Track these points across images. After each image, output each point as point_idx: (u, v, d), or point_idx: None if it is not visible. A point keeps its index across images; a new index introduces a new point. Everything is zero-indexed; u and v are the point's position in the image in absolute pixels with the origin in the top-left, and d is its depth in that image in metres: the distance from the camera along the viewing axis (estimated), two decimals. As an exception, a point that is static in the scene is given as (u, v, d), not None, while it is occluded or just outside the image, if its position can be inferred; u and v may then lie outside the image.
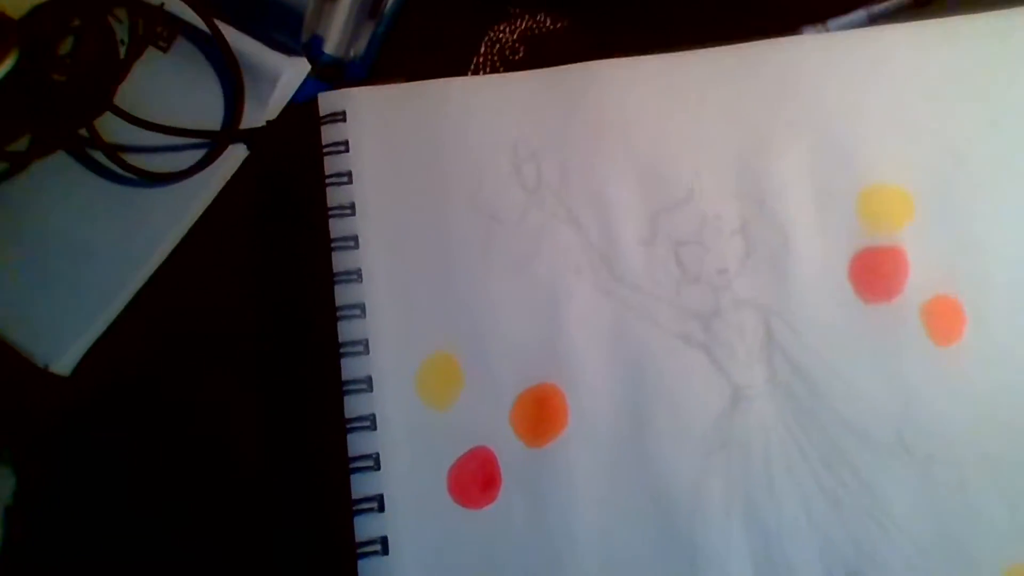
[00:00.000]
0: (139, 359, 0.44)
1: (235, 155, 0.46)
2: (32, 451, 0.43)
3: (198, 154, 0.46)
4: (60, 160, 0.46)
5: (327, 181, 0.43)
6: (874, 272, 0.40)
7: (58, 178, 0.46)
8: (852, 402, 0.39)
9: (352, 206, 0.42)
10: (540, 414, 0.39)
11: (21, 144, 0.46)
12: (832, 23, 0.48)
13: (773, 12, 0.47)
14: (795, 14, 0.47)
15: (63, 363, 0.43)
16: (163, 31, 0.48)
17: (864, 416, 0.38)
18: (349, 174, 0.43)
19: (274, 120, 0.47)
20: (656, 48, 0.45)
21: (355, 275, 0.41)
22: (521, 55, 0.49)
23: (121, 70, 0.47)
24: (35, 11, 0.48)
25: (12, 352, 0.43)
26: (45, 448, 0.43)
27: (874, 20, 0.48)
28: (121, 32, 0.48)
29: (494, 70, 0.48)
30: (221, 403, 0.43)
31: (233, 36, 0.47)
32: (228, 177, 0.46)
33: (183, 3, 0.47)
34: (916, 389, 0.39)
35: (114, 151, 0.45)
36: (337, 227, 0.42)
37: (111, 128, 0.46)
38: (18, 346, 0.43)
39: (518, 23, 0.50)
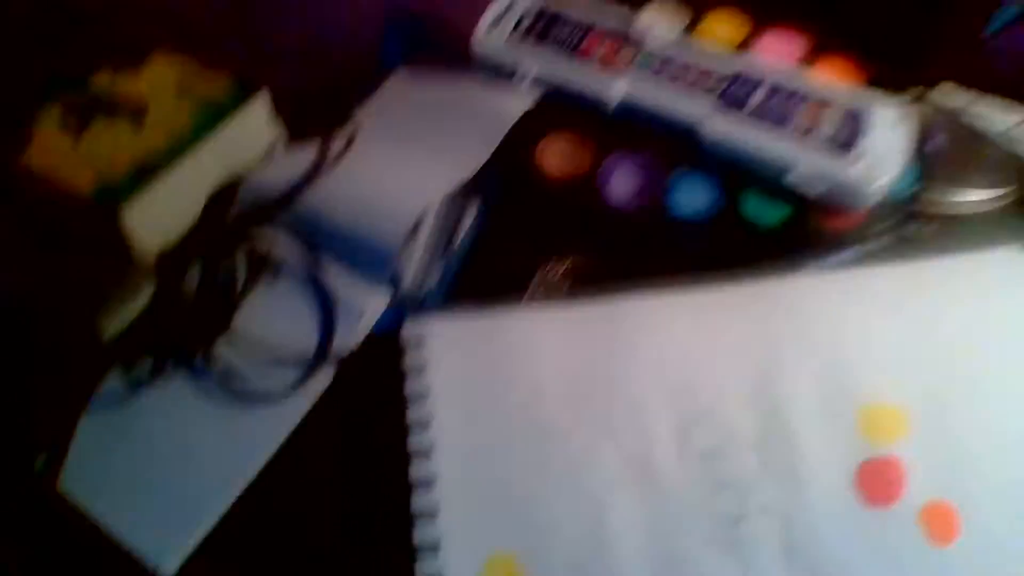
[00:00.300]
0: (234, 564, 0.50)
1: (322, 378, 0.55)
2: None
3: (291, 376, 0.54)
4: (179, 380, 0.55)
5: (408, 398, 0.51)
6: (876, 480, 0.46)
7: (175, 396, 0.54)
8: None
9: (427, 422, 0.50)
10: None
11: (144, 368, 0.55)
12: (828, 261, 0.56)
13: (775, 252, 0.55)
14: (798, 252, 0.56)
15: (169, 566, 0.49)
16: (271, 269, 0.58)
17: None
18: (427, 392, 0.51)
19: (357, 348, 0.56)
20: (676, 281, 0.54)
21: (430, 483, 0.48)
22: (567, 288, 0.58)
23: (236, 305, 0.56)
24: (164, 253, 0.59)
25: (121, 553, 0.49)
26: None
27: (865, 257, 0.56)
28: (238, 270, 0.58)
29: (543, 299, 0.57)
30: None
31: (325, 272, 0.57)
32: (316, 396, 0.54)
33: (287, 242, 0.57)
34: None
35: (223, 377, 0.54)
36: (415, 438, 0.49)
37: (222, 350, 0.55)
38: (130, 547, 0.49)
39: (562, 262, 0.59)
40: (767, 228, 0.56)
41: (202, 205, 0.61)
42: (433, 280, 0.58)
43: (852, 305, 0.52)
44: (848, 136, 0.55)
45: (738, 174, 0.58)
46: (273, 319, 0.57)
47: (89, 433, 0.53)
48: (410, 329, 0.53)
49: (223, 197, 0.61)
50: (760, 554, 0.45)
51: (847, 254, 0.57)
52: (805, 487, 0.46)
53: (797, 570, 0.45)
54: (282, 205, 0.59)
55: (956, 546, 0.44)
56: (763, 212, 0.56)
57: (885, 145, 0.55)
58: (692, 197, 0.58)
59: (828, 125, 0.55)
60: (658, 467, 0.48)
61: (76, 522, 0.50)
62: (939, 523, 0.45)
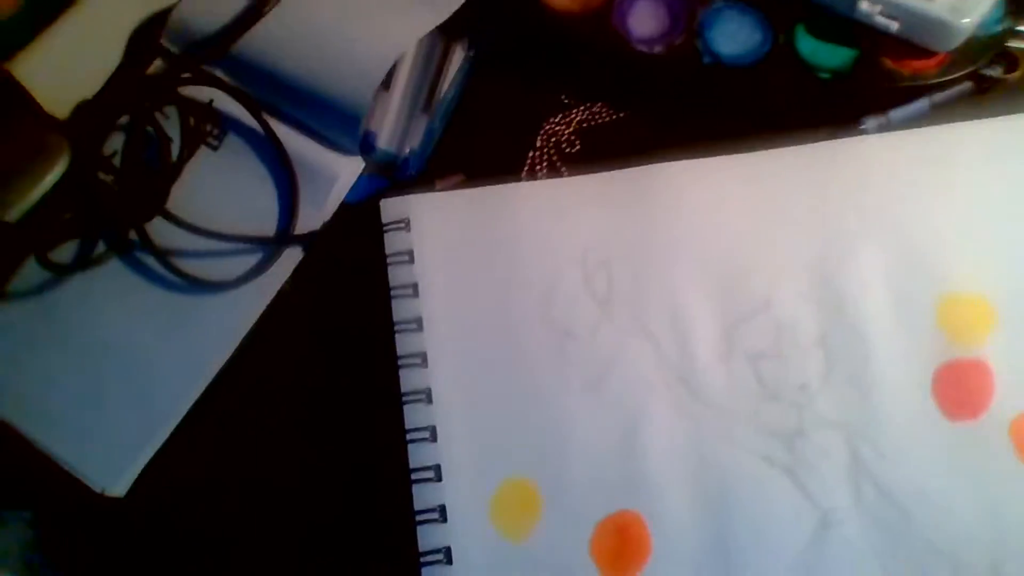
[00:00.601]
0: (192, 479, 0.42)
1: (290, 259, 0.45)
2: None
3: (252, 259, 0.45)
4: (111, 268, 0.45)
5: (392, 293, 0.42)
6: (958, 388, 0.39)
7: (108, 287, 0.44)
8: (943, 528, 0.37)
9: (419, 321, 0.41)
10: (622, 544, 0.38)
11: (69, 251, 0.45)
12: (893, 114, 0.47)
13: (833, 102, 0.46)
14: (856, 104, 0.46)
15: (119, 486, 0.41)
16: (213, 129, 0.47)
17: (956, 543, 0.37)
18: (415, 286, 0.41)
19: (329, 222, 0.46)
20: (714, 141, 0.44)
21: (424, 395, 0.40)
22: (578, 148, 0.48)
23: (174, 171, 0.46)
24: (79, 109, 0.47)
25: (62, 474, 0.41)
26: (100, 572, 0.41)
27: (936, 108, 0.47)
28: (170, 130, 0.47)
29: (551, 164, 0.47)
30: (273, 528, 0.41)
31: (284, 134, 0.46)
32: (283, 280, 0.45)
33: (233, 101, 0.46)
34: (1009, 514, 0.37)
35: (166, 257, 0.44)
36: (404, 343, 0.41)
37: (161, 232, 0.45)
38: (73, 469, 0.41)
39: (573, 115, 0.48)
40: (828, 73, 0.45)
41: (119, 50, 0.48)
42: (415, 140, 0.47)
43: (926, 173, 0.43)
44: (934, -43, 0.43)
45: (791, 6, 0.46)
46: (221, 189, 0.46)
47: (7, 335, 0.44)
48: (391, 207, 0.43)
49: (145, 39, 0.49)
50: (820, 473, 0.38)
51: (917, 105, 0.47)
52: (875, 396, 0.39)
53: (865, 493, 0.38)
54: (220, 49, 0.46)
55: (1054, 465, 0.38)
56: (823, 53, 0.46)
57: (976, -31, 0.44)
58: (733, 35, 0.46)
59: (912, -59, 0.44)
60: (700, 371, 0.40)
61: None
62: (1034, 438, 0.38)
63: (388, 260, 0.42)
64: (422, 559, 0.37)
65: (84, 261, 0.44)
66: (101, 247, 0.45)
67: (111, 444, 0.41)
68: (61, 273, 0.44)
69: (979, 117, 0.45)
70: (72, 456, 0.41)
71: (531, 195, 0.43)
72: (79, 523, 0.41)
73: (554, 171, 0.47)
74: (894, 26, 0.44)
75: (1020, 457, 0.38)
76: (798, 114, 0.45)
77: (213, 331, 0.44)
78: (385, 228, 0.43)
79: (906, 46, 0.45)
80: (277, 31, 0.46)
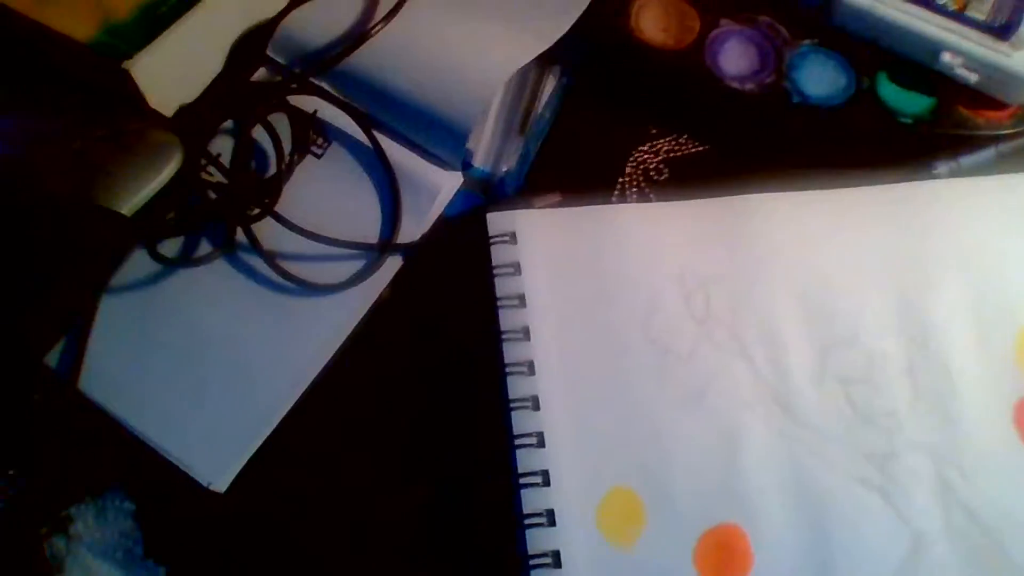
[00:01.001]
0: (290, 478, 0.43)
1: (391, 266, 0.46)
2: (186, 569, 0.41)
3: (355, 265, 0.46)
4: (217, 265, 0.45)
5: (499, 303, 0.43)
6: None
7: (215, 284, 0.45)
8: (1030, 554, 0.39)
9: (526, 330, 0.42)
10: (725, 557, 0.39)
11: (177, 246, 0.46)
12: (964, 159, 0.49)
13: (908, 146, 0.49)
14: (929, 149, 0.49)
15: (222, 481, 0.41)
16: (317, 137, 0.48)
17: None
18: (522, 297, 0.43)
19: (427, 233, 0.47)
20: (796, 178, 0.47)
21: (531, 402, 0.41)
22: (666, 176, 0.50)
23: (285, 173, 0.47)
24: (184, 111, 0.49)
25: (164, 466, 0.41)
26: (199, 566, 0.41)
27: (1001, 158, 0.50)
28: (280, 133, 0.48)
29: (640, 190, 0.49)
30: (369, 532, 0.42)
31: (387, 146, 0.48)
32: (383, 288, 0.46)
33: (337, 111, 0.48)
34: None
35: (272, 258, 0.45)
36: (512, 351, 0.42)
37: (267, 234, 0.46)
38: (179, 463, 0.41)
39: (660, 144, 0.51)
40: (910, 119, 0.48)
41: (223, 57, 0.50)
42: (511, 160, 0.49)
43: (1007, 214, 0.45)
44: (1013, 15, 0.46)
45: (872, 53, 0.49)
46: (325, 196, 0.47)
47: (113, 326, 0.44)
48: (498, 221, 0.45)
49: (250, 49, 0.50)
50: (912, 495, 0.40)
51: (985, 153, 0.50)
52: (960, 423, 0.41)
53: (954, 514, 0.39)
54: (328, 63, 0.48)
55: None
56: (904, 100, 0.48)
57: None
58: (819, 77, 0.49)
59: (991, 0, 0.47)
60: (795, 392, 0.42)
61: (102, 431, 0.42)
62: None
63: (495, 271, 0.43)
64: (531, 562, 0.38)
65: (192, 257, 0.45)
66: (209, 245, 0.46)
67: (215, 439, 0.42)
68: (170, 265, 0.45)
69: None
70: (178, 449, 0.41)
71: (632, 216, 0.45)
72: (179, 516, 0.42)
73: (643, 197, 0.49)
74: (973, 78, 0.47)
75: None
76: (872, 156, 0.48)
77: (314, 333, 0.44)
78: (492, 240, 0.44)
79: (982, 96, 0.48)
80: (385, 49, 0.48)
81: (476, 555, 0.41)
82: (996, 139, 0.49)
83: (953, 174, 0.49)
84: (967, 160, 0.50)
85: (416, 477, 0.42)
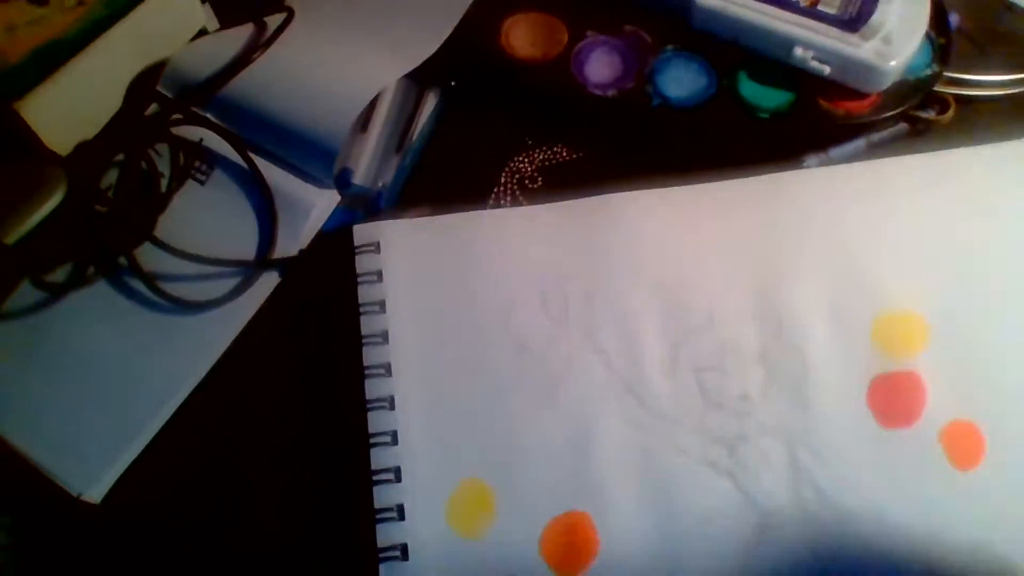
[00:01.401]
0: (169, 486, 0.44)
1: (267, 282, 0.48)
2: (60, 581, 0.43)
3: (232, 282, 0.48)
4: (100, 289, 0.48)
5: (361, 310, 0.44)
6: (892, 398, 0.41)
7: (97, 306, 0.47)
8: (880, 531, 0.39)
9: (385, 334, 0.44)
10: (570, 543, 0.39)
11: (61, 273, 0.48)
12: (833, 152, 0.50)
13: (775, 141, 0.50)
14: (798, 143, 0.50)
15: (95, 492, 0.43)
16: (201, 164, 0.51)
17: (893, 545, 0.39)
18: (382, 303, 0.44)
19: (305, 249, 0.49)
20: (668, 178, 0.48)
21: (387, 402, 0.42)
22: (539, 184, 0.51)
23: (162, 202, 0.49)
24: (80, 147, 0.51)
25: (43, 479, 0.43)
26: (73, 577, 0.43)
27: (872, 148, 0.51)
28: (162, 165, 0.50)
29: (514, 199, 0.50)
30: (249, 525, 0.43)
31: (267, 168, 0.50)
32: (260, 304, 0.48)
33: (221, 139, 0.50)
34: (940, 515, 0.39)
35: (152, 280, 0.47)
36: (370, 355, 0.43)
37: (149, 257, 0.48)
38: (51, 474, 0.43)
39: (535, 154, 0.52)
40: (767, 114, 0.49)
41: (119, 95, 0.53)
42: (387, 176, 0.51)
43: (863, 201, 0.46)
44: (861, 8, 0.48)
45: (733, 53, 0.51)
46: (207, 219, 0.49)
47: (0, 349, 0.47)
48: (362, 232, 0.46)
49: (144, 86, 0.53)
50: (762, 478, 0.40)
51: (854, 144, 0.51)
52: (813, 405, 0.42)
53: (804, 496, 0.40)
54: (210, 93, 0.51)
55: (981, 470, 0.40)
56: (763, 95, 0.50)
57: (901, 20, 0.48)
58: (681, 79, 0.51)
59: (839, -5, 0.48)
60: (648, 383, 0.42)
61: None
62: (962, 445, 0.41)
63: (358, 279, 0.45)
64: (380, 555, 0.39)
65: (76, 282, 0.47)
66: (92, 270, 0.48)
67: (89, 451, 0.43)
68: (54, 293, 0.47)
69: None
70: (49, 460, 0.43)
71: (493, 221, 0.47)
72: (56, 529, 0.43)
73: (516, 205, 0.50)
74: (826, 70, 0.48)
75: (950, 462, 0.40)
76: (743, 153, 0.49)
77: (193, 348, 0.46)
78: (357, 251, 0.46)
79: (839, 88, 0.49)
80: (262, 76, 0.51)
81: (342, 551, 0.42)
82: (864, 128, 0.51)
83: (823, 166, 0.50)
84: (836, 152, 0.51)
85: (286, 481, 0.43)
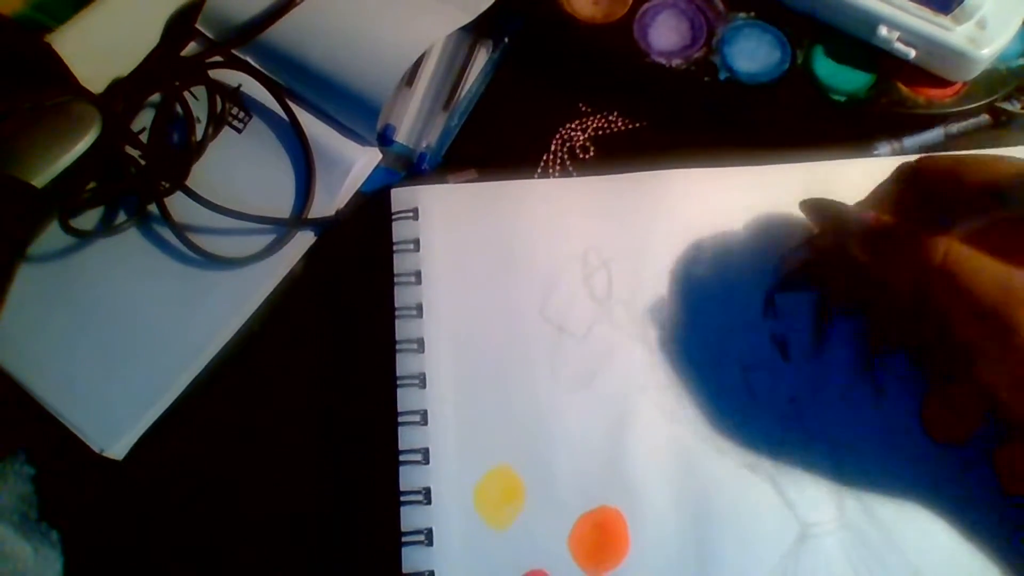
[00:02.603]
0: (192, 444, 0.43)
1: (302, 242, 0.46)
2: (80, 535, 0.42)
3: (266, 239, 0.46)
4: (129, 238, 0.46)
5: (396, 280, 0.42)
6: (946, 412, 0.39)
7: (126, 256, 0.46)
8: (926, 553, 0.37)
9: (420, 308, 0.42)
10: (600, 540, 0.38)
11: (91, 219, 0.47)
12: (908, 141, 0.47)
13: (848, 125, 0.47)
14: (870, 128, 0.47)
15: (117, 448, 0.42)
16: (239, 112, 0.48)
17: (938, 565, 0.37)
18: (418, 274, 0.42)
19: (342, 209, 0.47)
20: (728, 156, 0.45)
21: (418, 379, 0.40)
22: (591, 154, 0.48)
23: (197, 149, 0.47)
24: (114, 85, 0.49)
25: (66, 433, 0.42)
26: (93, 532, 0.42)
27: (951, 139, 0.47)
28: (197, 110, 0.48)
29: (563, 168, 0.48)
30: (264, 501, 0.42)
31: (307, 121, 0.48)
32: (294, 263, 0.46)
33: (260, 86, 0.48)
34: (990, 537, 0.37)
35: (183, 231, 0.45)
36: (403, 329, 0.41)
37: (181, 207, 0.46)
38: (74, 428, 0.42)
39: (589, 122, 0.49)
40: (842, 97, 0.46)
41: (156, 31, 0.50)
42: (432, 136, 0.48)
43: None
44: (956, -13, 0.44)
45: (810, 27, 0.47)
46: (242, 170, 0.47)
47: (25, 296, 0.45)
48: (401, 197, 0.44)
49: (182, 23, 0.51)
50: (804, 486, 0.38)
51: (932, 134, 0.47)
52: (863, 413, 0.39)
53: (847, 507, 0.38)
54: (251, 36, 0.48)
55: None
56: (839, 76, 0.46)
57: (998, 3, 0.44)
58: (751, 52, 0.47)
59: (933, -29, 0.44)
60: (692, 376, 0.40)
61: (9, 396, 0.43)
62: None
63: (394, 247, 0.43)
64: (403, 539, 0.38)
65: (104, 229, 0.46)
66: (122, 217, 0.46)
67: (113, 407, 0.42)
68: (82, 238, 0.46)
69: (992, 148, 0.45)
70: (73, 415, 0.42)
71: (537, 193, 0.44)
72: (77, 482, 0.42)
73: (566, 175, 0.48)
74: (912, 53, 0.44)
75: (1002, 483, 0.38)
76: (812, 134, 0.46)
77: (222, 306, 0.45)
78: (394, 216, 0.44)
79: (923, 74, 0.45)
80: (307, 22, 0.48)
81: (362, 530, 0.41)
82: (942, 119, 0.47)
83: (895, 155, 0.47)
84: (911, 141, 0.47)
85: (310, 451, 0.42)
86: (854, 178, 0.43)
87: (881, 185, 0.39)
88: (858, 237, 0.36)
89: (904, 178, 0.38)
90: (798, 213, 0.42)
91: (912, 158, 0.38)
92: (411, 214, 0.44)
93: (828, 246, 0.41)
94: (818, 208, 0.39)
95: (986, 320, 0.32)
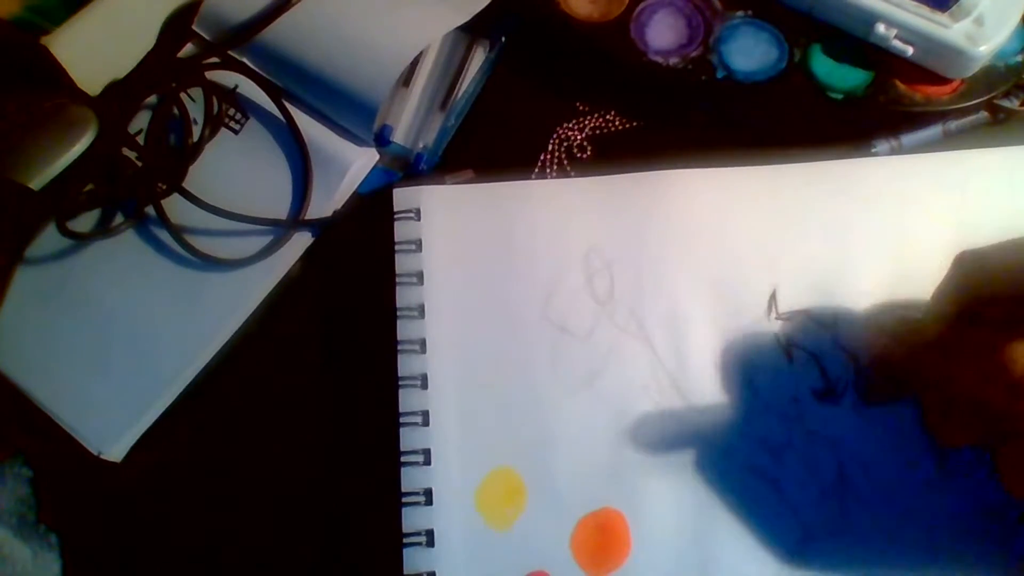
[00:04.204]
0: (189, 446, 0.43)
1: (299, 243, 0.46)
2: (79, 537, 0.42)
3: (263, 240, 0.46)
4: (126, 240, 0.46)
5: (397, 280, 0.42)
6: (950, 417, 0.39)
7: (123, 257, 0.46)
8: (930, 556, 0.37)
9: (421, 308, 0.42)
10: (602, 541, 0.38)
11: (88, 221, 0.46)
12: (905, 138, 0.47)
13: (846, 123, 0.47)
14: (868, 125, 0.47)
15: (115, 450, 0.42)
16: (236, 113, 0.48)
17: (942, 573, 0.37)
18: (420, 275, 0.42)
19: (340, 209, 0.47)
20: (727, 156, 0.45)
21: (420, 381, 0.40)
22: (589, 154, 0.48)
23: (194, 151, 0.47)
24: (111, 87, 0.49)
25: (64, 435, 0.42)
26: (92, 534, 0.42)
27: (949, 136, 0.47)
28: (194, 111, 0.48)
29: (561, 167, 0.48)
30: (262, 502, 0.42)
31: (304, 122, 0.47)
32: (291, 264, 0.46)
33: (257, 88, 0.47)
34: (995, 543, 0.37)
35: (180, 233, 0.45)
36: (405, 329, 0.41)
37: (178, 209, 0.46)
38: (72, 431, 0.42)
39: (586, 121, 0.49)
40: (840, 95, 0.46)
41: (152, 32, 0.50)
42: (429, 136, 0.48)
43: (937, 196, 0.43)
44: (953, -16, 0.44)
45: (807, 25, 0.47)
46: (239, 171, 0.47)
47: (22, 299, 0.45)
48: (403, 197, 0.44)
49: (179, 24, 0.50)
50: (807, 488, 0.38)
51: (930, 131, 0.47)
52: (869, 418, 0.39)
53: (849, 510, 0.38)
54: (248, 37, 0.48)
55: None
56: (837, 74, 0.46)
57: (995, 1, 0.44)
58: (749, 51, 0.47)
59: (930, -32, 0.44)
60: (695, 377, 0.40)
61: (6, 399, 0.43)
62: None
63: (396, 247, 0.43)
64: (404, 539, 0.38)
65: (101, 231, 0.46)
66: (119, 219, 0.46)
67: (110, 409, 0.42)
68: (79, 240, 0.45)
69: (992, 147, 0.45)
70: (71, 417, 0.42)
71: (540, 193, 0.44)
72: (75, 484, 0.42)
73: (564, 175, 0.47)
74: (909, 51, 0.44)
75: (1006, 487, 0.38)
76: (809, 132, 0.46)
77: (219, 308, 0.44)
78: (396, 216, 0.44)
79: (921, 71, 0.45)
80: (304, 22, 0.48)
81: (361, 531, 0.40)
82: (941, 116, 0.47)
83: (894, 153, 0.47)
84: (909, 139, 0.47)
85: (309, 453, 0.42)
86: (857, 179, 0.43)
87: (939, 288, 0.36)
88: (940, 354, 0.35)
89: (961, 279, 0.36)
90: (798, 212, 0.42)
91: (966, 252, 0.35)
92: (413, 214, 0.43)
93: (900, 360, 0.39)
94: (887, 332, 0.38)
95: None
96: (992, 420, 0.34)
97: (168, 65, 0.49)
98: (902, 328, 0.37)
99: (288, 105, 0.47)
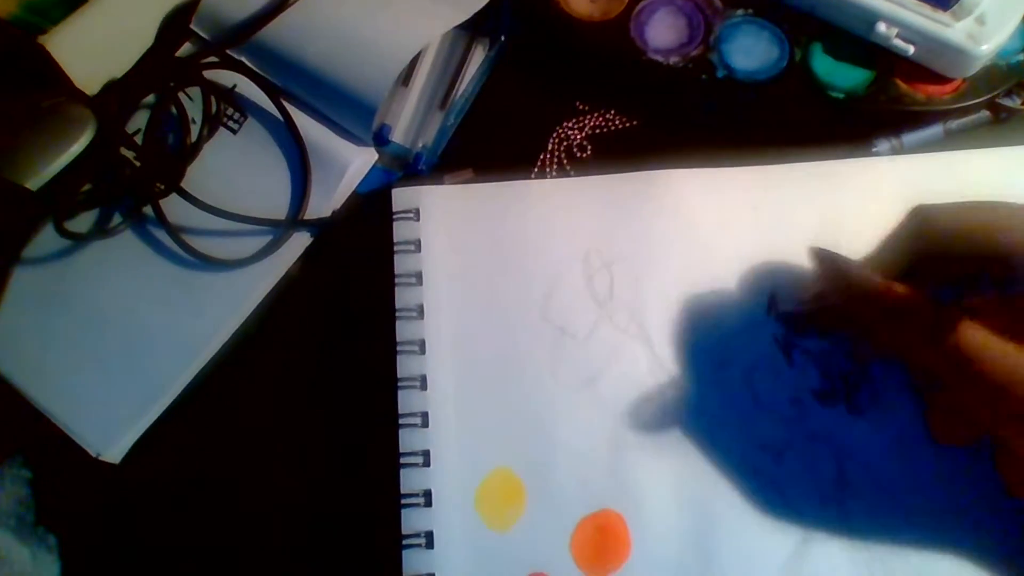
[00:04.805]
0: (188, 447, 0.43)
1: (298, 243, 0.46)
2: (78, 539, 0.42)
3: (262, 240, 0.45)
4: (124, 240, 0.46)
5: (396, 281, 0.42)
6: (951, 414, 0.39)
7: (121, 258, 0.45)
8: (928, 554, 0.37)
9: (420, 309, 0.41)
10: (602, 543, 0.38)
11: (85, 221, 0.46)
12: (906, 137, 0.47)
13: (846, 122, 0.46)
14: (869, 124, 0.47)
15: (114, 452, 0.42)
16: (234, 113, 0.48)
17: (944, 571, 0.37)
18: (419, 275, 0.42)
19: (338, 209, 0.47)
20: (727, 155, 0.45)
21: (419, 382, 0.40)
22: (589, 153, 0.48)
23: (192, 151, 0.47)
24: (109, 86, 0.49)
25: (63, 437, 0.42)
26: (91, 536, 0.42)
27: (950, 135, 0.47)
28: (192, 111, 0.48)
29: (560, 167, 0.48)
30: (262, 503, 0.42)
31: (303, 121, 0.47)
32: (290, 264, 0.46)
33: (256, 87, 0.47)
34: (996, 542, 0.37)
35: (178, 233, 0.45)
36: (404, 330, 0.41)
37: (177, 209, 0.46)
38: (70, 432, 0.42)
39: (586, 120, 0.49)
40: (841, 94, 0.45)
41: (150, 31, 0.50)
42: (428, 136, 0.48)
43: (938, 197, 0.43)
44: (955, -17, 0.44)
45: (808, 24, 0.47)
46: (237, 171, 0.47)
47: (20, 300, 0.45)
48: (402, 197, 0.44)
49: (177, 23, 0.50)
50: (808, 489, 0.38)
51: (931, 130, 0.47)
52: (870, 416, 0.39)
53: (850, 510, 0.38)
54: (246, 36, 0.48)
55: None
56: (837, 73, 0.46)
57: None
58: (749, 50, 0.47)
59: (931, -33, 0.44)
60: (695, 379, 0.40)
61: (4, 400, 0.43)
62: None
63: (395, 248, 0.43)
64: (404, 541, 0.38)
65: (99, 232, 0.46)
66: (117, 219, 0.46)
67: (109, 410, 0.42)
68: (76, 241, 0.45)
69: (994, 147, 0.45)
70: (70, 419, 0.42)
71: (540, 193, 0.44)
72: (74, 485, 0.42)
73: (563, 174, 0.47)
74: (910, 50, 0.44)
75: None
76: (810, 132, 0.46)
77: (217, 308, 0.44)
78: (395, 216, 0.43)
79: (922, 70, 0.45)
80: (302, 21, 0.47)
81: (361, 532, 0.40)
82: (942, 115, 0.47)
83: (894, 153, 0.46)
84: (910, 138, 0.47)
85: (308, 454, 0.42)
86: (857, 179, 0.43)
87: (889, 237, 0.37)
88: (867, 303, 0.35)
89: (911, 232, 0.37)
90: (799, 212, 0.41)
91: (921, 206, 0.37)
92: (412, 215, 0.43)
93: (834, 304, 0.40)
94: (826, 263, 0.38)
95: (999, 403, 0.31)
96: (992, 421, 0.34)
97: (166, 64, 0.49)
98: (844, 273, 0.37)
99: (287, 104, 0.47)
